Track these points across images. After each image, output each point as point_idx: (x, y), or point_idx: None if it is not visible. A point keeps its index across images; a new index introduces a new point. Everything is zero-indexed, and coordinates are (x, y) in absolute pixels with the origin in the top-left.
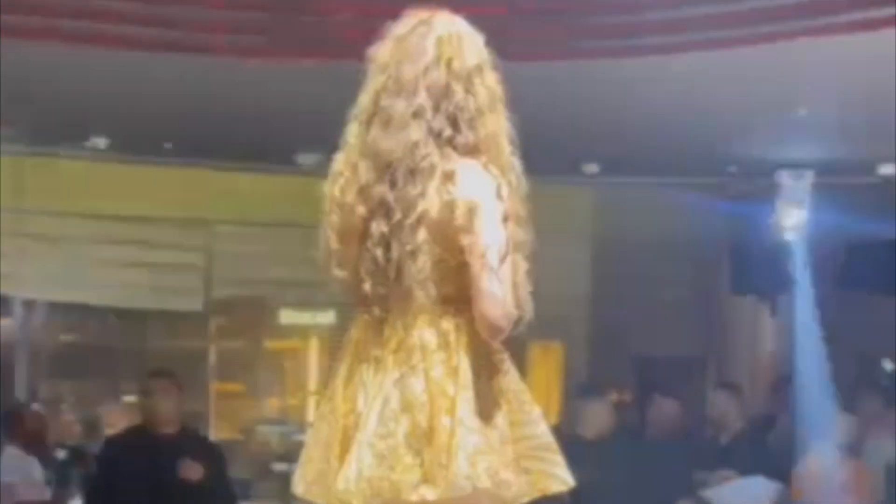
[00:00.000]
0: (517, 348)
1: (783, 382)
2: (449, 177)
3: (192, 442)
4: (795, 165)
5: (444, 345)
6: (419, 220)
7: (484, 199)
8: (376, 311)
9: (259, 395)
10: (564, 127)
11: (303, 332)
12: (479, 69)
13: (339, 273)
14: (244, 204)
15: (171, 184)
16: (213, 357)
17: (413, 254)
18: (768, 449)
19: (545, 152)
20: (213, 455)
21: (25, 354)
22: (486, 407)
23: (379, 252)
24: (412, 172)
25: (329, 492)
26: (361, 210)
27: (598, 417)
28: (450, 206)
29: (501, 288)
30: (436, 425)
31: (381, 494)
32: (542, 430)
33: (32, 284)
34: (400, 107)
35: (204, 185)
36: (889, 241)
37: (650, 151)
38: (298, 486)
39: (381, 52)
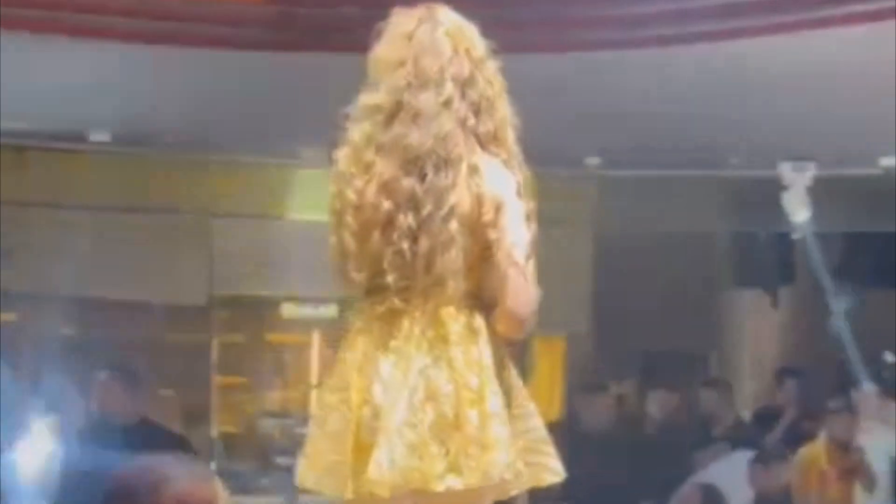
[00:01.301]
0: (521, 343)
1: (786, 374)
2: (474, 170)
3: (152, 435)
4: (797, 157)
5: (467, 337)
6: (451, 212)
7: (508, 195)
8: (396, 302)
9: (261, 388)
10: (566, 119)
11: (304, 325)
12: (485, 58)
13: (356, 276)
14: (245, 197)
15: (173, 177)
16: (214, 350)
17: (446, 245)
18: (761, 441)
19: (546, 145)
20: (174, 444)
21: (27, 348)
22: (507, 400)
23: (405, 245)
24: (443, 163)
25: (342, 483)
26: (387, 205)
27: (594, 413)
28: (478, 200)
29: (527, 286)
30: (462, 416)
31: (410, 483)
32: (538, 424)
33: (34, 278)
34: (429, 99)
35: (205, 178)
36: (890, 233)
37: (652, 144)
38: (307, 479)
39: (392, 50)
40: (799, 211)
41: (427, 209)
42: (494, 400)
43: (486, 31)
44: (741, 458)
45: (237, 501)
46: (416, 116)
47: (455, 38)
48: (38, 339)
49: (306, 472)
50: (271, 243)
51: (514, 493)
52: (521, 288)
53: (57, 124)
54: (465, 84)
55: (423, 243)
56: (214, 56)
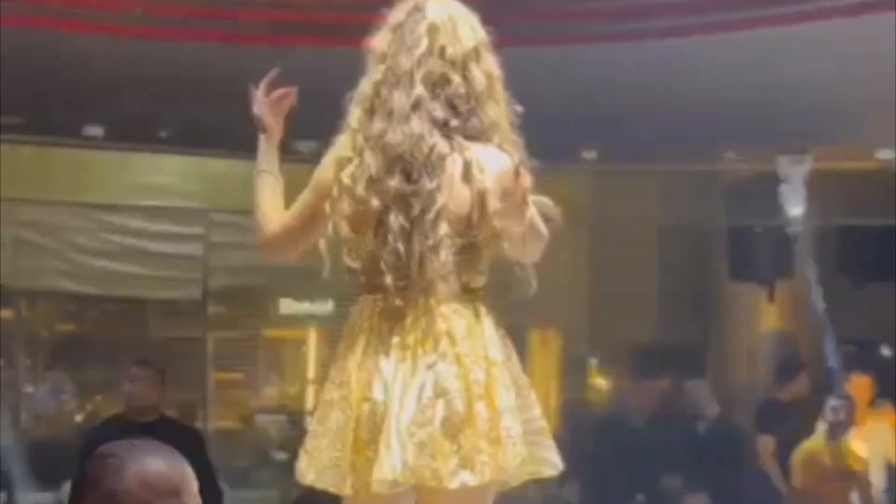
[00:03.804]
0: (516, 335)
1: (787, 367)
2: (472, 165)
3: (171, 429)
4: (794, 151)
5: (473, 331)
6: (439, 214)
7: (506, 174)
8: (397, 301)
9: (258, 384)
10: (563, 113)
11: (301, 321)
12: (475, 52)
13: (352, 263)
14: (242, 192)
15: (168, 172)
16: (211, 346)
17: (435, 248)
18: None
19: (543, 138)
20: (192, 442)
21: (25, 345)
22: (516, 393)
23: (400, 246)
24: (424, 166)
25: (341, 480)
26: (376, 203)
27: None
28: (481, 195)
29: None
30: (473, 412)
31: (423, 482)
32: (537, 415)
33: (31, 274)
34: (400, 100)
35: (201, 173)
36: (888, 226)
37: (648, 137)
38: (308, 474)
39: (379, 42)
40: (796, 204)
41: (416, 211)
42: (504, 395)
43: (485, 24)
44: None
45: (234, 497)
46: (389, 115)
47: (435, 35)
48: (34, 334)
49: (307, 467)
50: None
51: (513, 485)
52: (537, 218)
53: (53, 120)
54: (436, 84)
55: (415, 245)
56: (209, 49)
